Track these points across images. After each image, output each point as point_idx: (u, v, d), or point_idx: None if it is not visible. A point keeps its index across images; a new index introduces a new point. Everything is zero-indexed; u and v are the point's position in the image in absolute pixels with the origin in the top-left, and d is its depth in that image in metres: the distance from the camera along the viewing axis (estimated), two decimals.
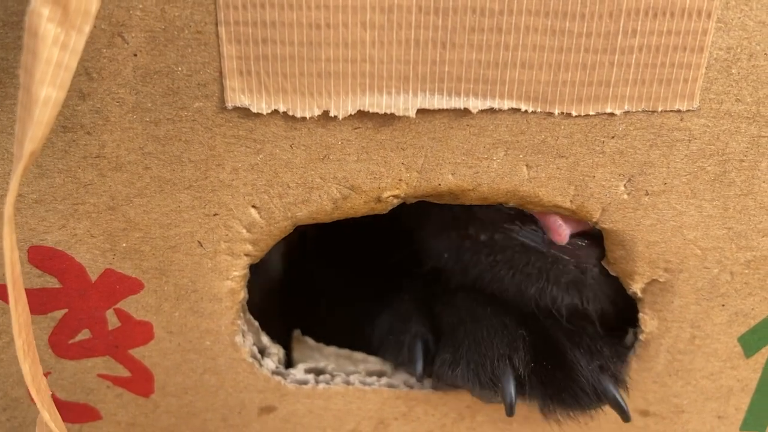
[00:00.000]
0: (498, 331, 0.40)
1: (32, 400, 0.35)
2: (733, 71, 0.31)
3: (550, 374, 0.39)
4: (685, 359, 0.39)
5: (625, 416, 0.38)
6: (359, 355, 0.43)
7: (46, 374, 0.39)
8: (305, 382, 0.41)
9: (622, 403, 0.38)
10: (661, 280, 0.36)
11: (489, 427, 0.42)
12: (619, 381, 0.39)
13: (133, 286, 0.36)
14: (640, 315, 0.38)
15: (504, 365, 0.39)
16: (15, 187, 0.26)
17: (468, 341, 0.40)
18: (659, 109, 0.32)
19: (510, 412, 0.38)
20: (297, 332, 0.44)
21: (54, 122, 0.31)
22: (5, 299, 0.37)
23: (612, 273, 0.37)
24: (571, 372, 0.39)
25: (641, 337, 0.38)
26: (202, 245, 0.35)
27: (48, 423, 0.32)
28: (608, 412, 0.41)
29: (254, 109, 0.31)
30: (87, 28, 0.26)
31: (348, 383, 0.41)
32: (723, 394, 0.40)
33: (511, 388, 0.38)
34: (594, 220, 0.35)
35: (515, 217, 0.39)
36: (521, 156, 0.33)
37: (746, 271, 0.36)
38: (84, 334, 0.38)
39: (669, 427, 0.42)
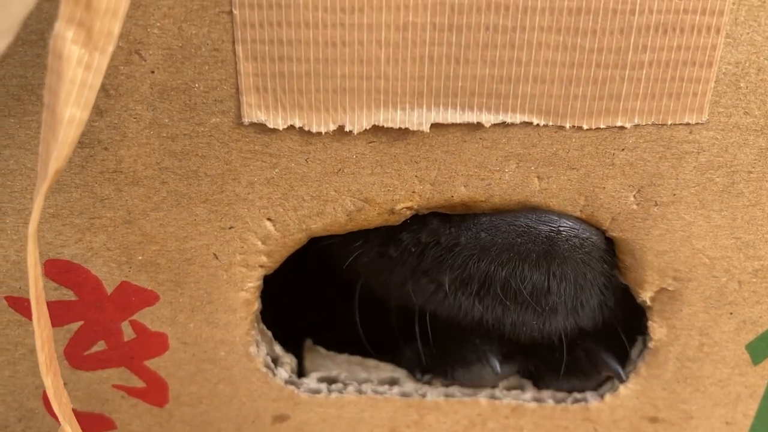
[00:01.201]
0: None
1: (49, 411, 0.36)
2: (741, 85, 0.32)
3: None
4: (693, 366, 0.39)
5: (620, 378, 0.41)
6: (371, 362, 0.44)
7: None
8: (318, 391, 0.41)
9: (617, 367, 0.41)
10: (670, 288, 0.37)
11: None
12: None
13: (149, 298, 0.37)
14: (649, 323, 0.38)
15: (483, 338, 0.43)
16: (39, 205, 0.27)
17: (449, 338, 0.43)
18: (669, 123, 0.32)
19: (496, 370, 0.42)
20: (309, 341, 0.45)
21: None
22: (22, 312, 0.37)
23: (622, 281, 0.38)
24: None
25: (650, 344, 0.39)
26: (217, 257, 0.35)
27: None
28: (619, 419, 0.41)
29: (270, 125, 0.32)
30: (110, 49, 0.27)
31: (360, 392, 0.41)
32: (731, 400, 0.41)
33: (492, 355, 0.42)
34: (603, 229, 0.35)
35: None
36: (533, 168, 0.33)
37: (754, 280, 0.37)
38: (99, 346, 0.38)
39: None
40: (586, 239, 0.37)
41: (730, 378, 0.40)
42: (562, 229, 0.36)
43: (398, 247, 0.39)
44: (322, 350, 0.44)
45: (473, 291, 0.39)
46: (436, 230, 0.38)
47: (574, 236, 0.36)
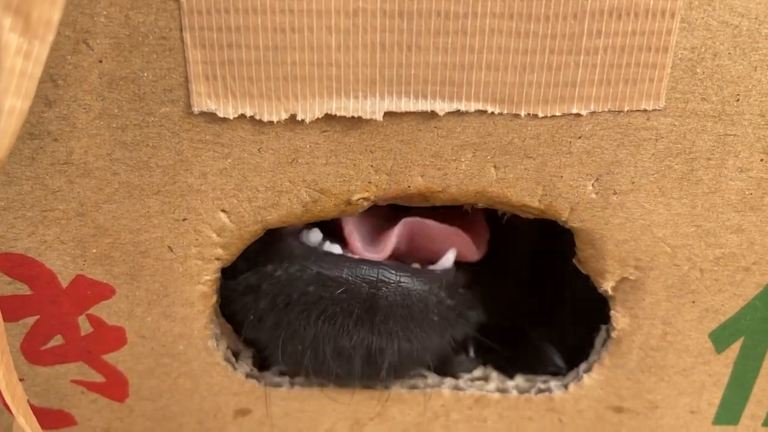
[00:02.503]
0: None
1: (7, 406, 0.35)
2: (698, 71, 0.31)
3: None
4: (657, 356, 0.39)
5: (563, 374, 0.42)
6: None
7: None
8: (280, 384, 0.41)
9: (561, 364, 0.43)
10: (631, 278, 0.37)
11: (464, 426, 0.42)
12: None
13: (105, 292, 0.36)
14: (612, 312, 0.38)
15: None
16: None
17: None
18: (625, 109, 0.32)
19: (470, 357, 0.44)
20: None
21: (20, 130, 0.31)
22: None
23: (583, 272, 0.37)
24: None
25: (613, 334, 0.39)
26: (172, 250, 0.35)
27: (24, 428, 0.32)
28: (584, 409, 0.41)
29: (221, 114, 0.31)
30: (50, 38, 0.26)
31: (323, 385, 0.41)
32: (696, 389, 0.41)
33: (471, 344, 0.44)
34: (563, 219, 0.35)
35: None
36: (489, 157, 0.33)
37: (715, 268, 0.36)
38: (56, 341, 0.38)
39: (643, 423, 0.42)
40: (413, 291, 0.38)
41: (694, 367, 0.40)
42: (381, 284, 0.37)
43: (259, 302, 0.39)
44: None
45: (308, 348, 0.39)
46: (275, 289, 0.38)
47: (395, 290, 0.37)
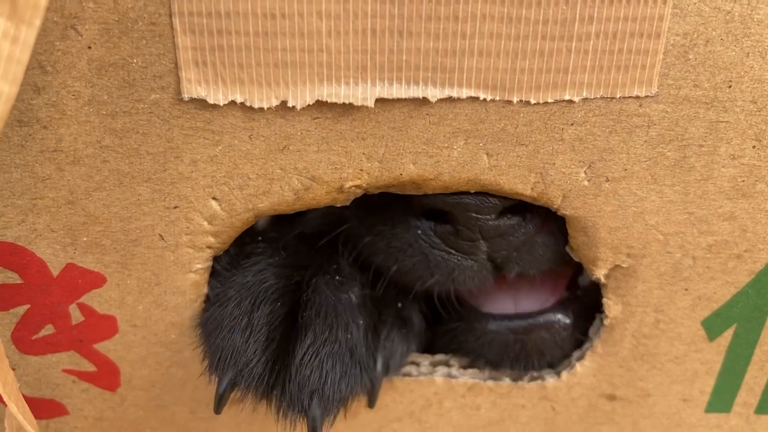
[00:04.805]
0: None
1: None
2: (690, 57, 0.31)
3: None
4: (650, 343, 0.39)
5: None
6: None
7: None
8: None
9: None
10: (624, 265, 0.37)
11: (456, 413, 0.42)
12: None
13: (96, 280, 0.36)
14: (604, 300, 0.38)
15: None
16: None
17: None
18: (618, 96, 0.32)
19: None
20: None
21: (9, 116, 0.31)
22: None
23: (575, 259, 0.37)
24: None
25: (606, 322, 0.39)
26: (163, 238, 0.35)
27: (16, 416, 0.32)
28: (576, 397, 0.41)
29: (211, 100, 0.31)
30: (37, 22, 0.26)
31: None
32: (688, 377, 0.41)
33: None
34: (555, 207, 0.35)
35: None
36: (481, 144, 0.33)
37: (708, 256, 0.36)
38: (47, 330, 0.38)
39: (635, 411, 0.42)
40: None
41: (686, 354, 0.40)
42: None
43: None
44: None
45: None
46: None
47: None
